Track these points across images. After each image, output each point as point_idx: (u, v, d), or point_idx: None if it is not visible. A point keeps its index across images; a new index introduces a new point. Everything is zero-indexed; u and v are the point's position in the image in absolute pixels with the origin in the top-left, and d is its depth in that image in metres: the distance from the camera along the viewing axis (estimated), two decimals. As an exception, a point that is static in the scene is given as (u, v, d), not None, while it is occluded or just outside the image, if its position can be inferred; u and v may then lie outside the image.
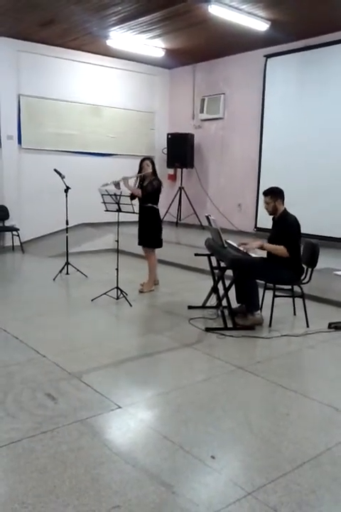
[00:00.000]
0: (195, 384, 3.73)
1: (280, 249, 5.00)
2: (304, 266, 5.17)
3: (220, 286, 5.32)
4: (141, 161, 6.39)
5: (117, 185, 6.19)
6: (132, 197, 6.10)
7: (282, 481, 2.56)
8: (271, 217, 5.31)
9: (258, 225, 9.42)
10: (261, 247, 5.17)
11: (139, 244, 6.51)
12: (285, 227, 5.06)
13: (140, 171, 6.37)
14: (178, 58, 9.97)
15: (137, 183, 6.42)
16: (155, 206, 6.33)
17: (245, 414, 3.28)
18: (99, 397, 3.45)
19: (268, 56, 9.07)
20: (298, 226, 5.07)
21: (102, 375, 3.86)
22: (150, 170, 6.26)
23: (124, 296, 5.92)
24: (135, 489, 2.45)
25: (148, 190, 6.24)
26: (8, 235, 9.27)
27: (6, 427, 2.99)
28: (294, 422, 3.22)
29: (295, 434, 3.05)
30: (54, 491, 2.41)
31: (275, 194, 5.14)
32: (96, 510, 2.29)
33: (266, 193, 5.19)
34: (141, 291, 6.39)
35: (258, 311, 5.21)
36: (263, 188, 8.98)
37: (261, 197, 9.04)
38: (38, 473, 2.56)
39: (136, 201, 6.18)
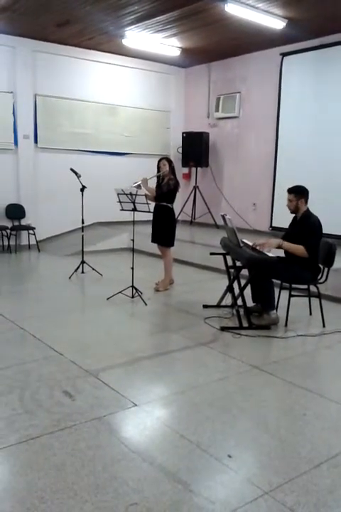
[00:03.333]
0: (211, 383, 3.73)
1: (299, 249, 4.97)
2: (320, 266, 5.13)
3: (235, 285, 5.32)
4: (158, 161, 6.43)
5: (138, 187, 6.23)
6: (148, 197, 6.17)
7: (299, 481, 2.55)
8: (292, 215, 5.28)
9: (273, 224, 9.38)
10: (279, 246, 5.12)
11: (152, 241, 6.55)
12: (308, 227, 5.02)
13: (158, 171, 6.40)
14: (194, 57, 9.96)
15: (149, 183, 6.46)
16: (169, 205, 6.35)
17: (262, 414, 3.28)
18: (115, 394, 3.48)
19: (284, 54, 9.02)
20: (320, 228, 5.04)
21: (118, 373, 3.89)
22: (167, 169, 6.29)
23: (139, 295, 5.94)
24: (152, 487, 2.46)
25: (163, 191, 6.27)
26: (24, 233, 9.36)
27: (25, 424, 3.02)
28: (311, 422, 3.20)
29: (312, 434, 3.04)
30: (72, 487, 2.44)
31: (299, 193, 5.11)
32: (114, 507, 2.31)
33: (290, 191, 5.15)
34: (156, 290, 6.41)
35: (274, 311, 5.19)
36: (278, 186, 9.10)
37: (277, 196, 9.18)
38: (56, 469, 2.59)
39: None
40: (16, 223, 9.27)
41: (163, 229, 6.39)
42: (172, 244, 6.49)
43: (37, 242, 9.24)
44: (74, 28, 8.25)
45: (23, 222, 9.35)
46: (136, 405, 3.32)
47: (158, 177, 6.41)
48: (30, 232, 9.26)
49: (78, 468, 2.60)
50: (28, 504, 2.31)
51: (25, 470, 2.58)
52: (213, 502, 2.37)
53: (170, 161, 6.39)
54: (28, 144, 9.29)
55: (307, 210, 5.16)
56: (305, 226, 5.08)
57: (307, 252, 4.94)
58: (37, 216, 9.39)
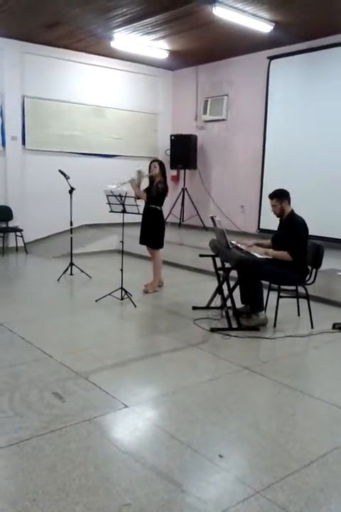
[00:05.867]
0: (201, 384, 3.75)
1: (283, 255, 5.04)
2: (308, 267, 5.19)
3: (225, 286, 5.34)
4: (150, 163, 6.48)
5: (133, 180, 6.35)
6: (138, 197, 6.19)
7: (290, 479, 2.58)
8: (278, 218, 5.33)
9: (261, 226, 9.44)
10: (266, 254, 5.19)
11: (140, 243, 6.57)
12: (293, 228, 5.08)
13: (149, 173, 6.45)
14: (182, 60, 9.98)
15: (142, 182, 6.51)
16: (158, 208, 6.40)
17: (252, 414, 3.30)
18: (105, 396, 3.47)
19: (271, 58, 9.08)
20: (306, 228, 5.10)
21: (108, 375, 3.89)
22: (157, 171, 6.33)
23: (129, 297, 5.94)
24: (144, 487, 2.46)
25: (153, 194, 6.32)
26: (11, 235, 9.29)
27: (15, 426, 3.01)
28: (300, 422, 3.23)
29: (301, 434, 3.06)
30: (64, 488, 2.43)
31: (280, 196, 5.17)
32: (106, 508, 2.31)
33: (271, 196, 5.22)
34: (145, 292, 6.41)
35: (263, 312, 5.22)
36: (266, 188, 9.16)
37: (264, 198, 9.22)
38: (48, 471, 2.58)
39: (140, 201, 6.22)
40: (3, 225, 9.19)
41: (153, 231, 6.42)
42: (162, 246, 6.52)
43: (24, 244, 9.18)
44: (63, 30, 8.23)
45: (11, 224, 9.28)
46: (126, 406, 3.32)
47: (150, 178, 6.44)
48: (18, 234, 9.19)
49: (69, 470, 2.59)
50: (19, 506, 2.30)
51: (16, 472, 2.57)
52: (205, 502, 2.38)
53: (160, 164, 6.43)
54: (16, 145, 9.23)
55: (292, 211, 5.22)
56: (289, 228, 5.13)
57: (291, 256, 5.00)
58: (25, 218, 9.32)
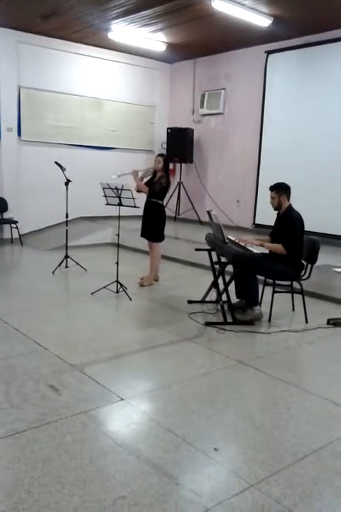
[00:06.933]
0: (196, 377, 3.76)
1: (278, 248, 5.06)
2: (304, 262, 5.20)
3: (220, 281, 5.35)
4: (155, 157, 6.54)
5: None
6: (138, 190, 6.27)
7: (284, 473, 2.60)
8: (276, 212, 5.35)
9: (256, 221, 9.45)
10: (261, 246, 5.23)
11: (141, 235, 6.58)
12: (288, 222, 5.10)
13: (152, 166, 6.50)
14: (179, 52, 9.95)
15: (147, 177, 6.56)
16: (160, 202, 6.43)
17: (247, 408, 3.32)
18: (101, 389, 3.48)
19: (269, 52, 9.07)
20: (302, 223, 5.12)
21: (104, 368, 3.89)
22: (160, 166, 6.33)
23: (124, 290, 5.94)
24: (139, 480, 2.48)
25: (156, 189, 6.34)
26: (6, 227, 9.27)
27: (11, 418, 3.01)
28: (295, 416, 3.25)
29: (296, 428, 3.08)
30: (59, 480, 2.44)
31: (280, 189, 5.18)
32: (102, 500, 2.32)
33: (271, 188, 5.23)
34: (141, 285, 6.42)
35: (258, 307, 5.23)
36: (262, 184, 9.17)
37: (260, 193, 9.24)
38: (43, 463, 2.58)
39: (138, 195, 6.21)
40: (-1, 216, 9.18)
41: (154, 225, 6.46)
42: (161, 240, 6.53)
43: (20, 235, 9.15)
44: (60, 21, 8.16)
45: (6, 215, 9.24)
46: (122, 399, 3.33)
47: (152, 172, 6.46)
48: (13, 225, 9.16)
49: (65, 462, 2.60)
50: (15, 498, 2.31)
51: (12, 464, 2.57)
52: (200, 495, 2.40)
53: (165, 160, 6.43)
54: (12, 136, 9.17)
55: (290, 206, 5.23)
56: (285, 222, 5.15)
57: (286, 249, 5.02)
58: (20, 209, 9.28)
